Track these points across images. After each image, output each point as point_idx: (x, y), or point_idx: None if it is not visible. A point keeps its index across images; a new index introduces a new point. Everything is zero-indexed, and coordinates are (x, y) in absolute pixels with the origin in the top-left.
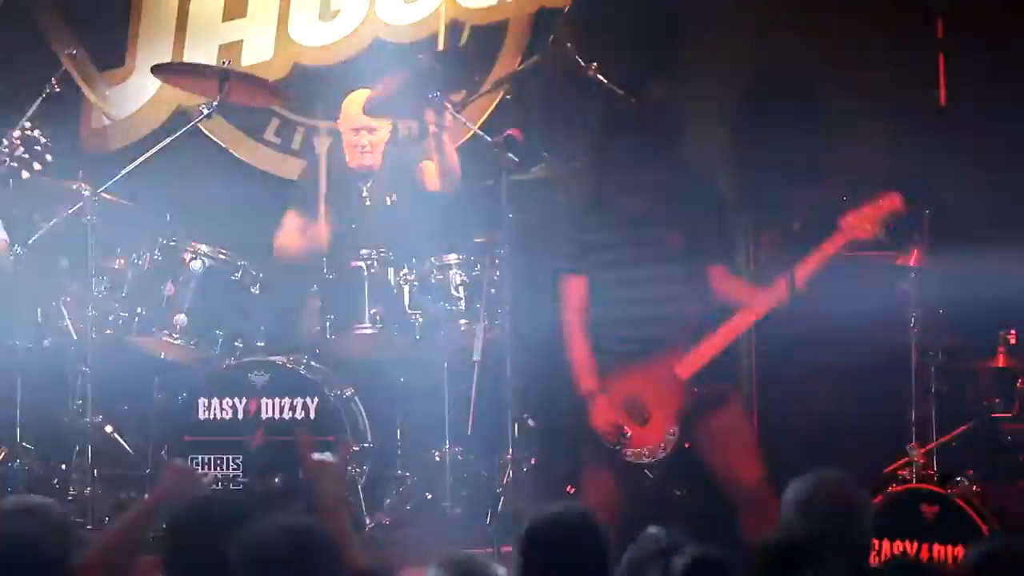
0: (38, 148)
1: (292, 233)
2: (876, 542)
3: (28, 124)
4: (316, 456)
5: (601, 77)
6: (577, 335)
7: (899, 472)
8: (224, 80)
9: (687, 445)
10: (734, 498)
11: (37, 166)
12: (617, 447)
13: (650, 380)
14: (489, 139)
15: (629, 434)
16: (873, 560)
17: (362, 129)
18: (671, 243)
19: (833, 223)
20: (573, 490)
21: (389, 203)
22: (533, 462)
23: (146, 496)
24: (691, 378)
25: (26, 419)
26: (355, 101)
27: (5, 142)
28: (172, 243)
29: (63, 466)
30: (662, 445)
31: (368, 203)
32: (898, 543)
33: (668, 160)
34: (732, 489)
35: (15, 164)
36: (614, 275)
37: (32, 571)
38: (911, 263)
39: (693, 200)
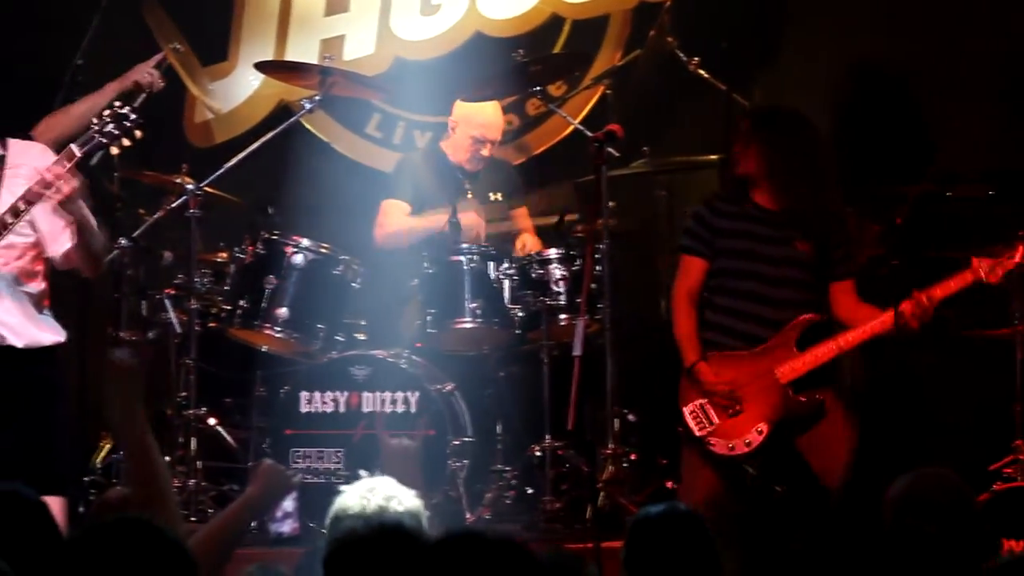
0: (127, 124)
1: (398, 217)
2: None
3: (118, 103)
4: (394, 440)
5: (702, 71)
6: (683, 312)
7: (1005, 470)
8: (326, 75)
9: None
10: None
11: (126, 141)
12: (700, 433)
13: (749, 375)
14: (590, 134)
15: (716, 421)
16: None
17: (489, 141)
18: (801, 247)
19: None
20: (674, 485)
21: (492, 199)
22: (633, 457)
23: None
24: (790, 384)
25: None
26: (488, 110)
27: (95, 119)
28: (274, 237)
29: (167, 458)
30: (747, 441)
31: (470, 198)
32: (1004, 542)
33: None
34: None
35: (104, 139)
36: (743, 266)
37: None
38: (1017, 259)
39: (822, 210)
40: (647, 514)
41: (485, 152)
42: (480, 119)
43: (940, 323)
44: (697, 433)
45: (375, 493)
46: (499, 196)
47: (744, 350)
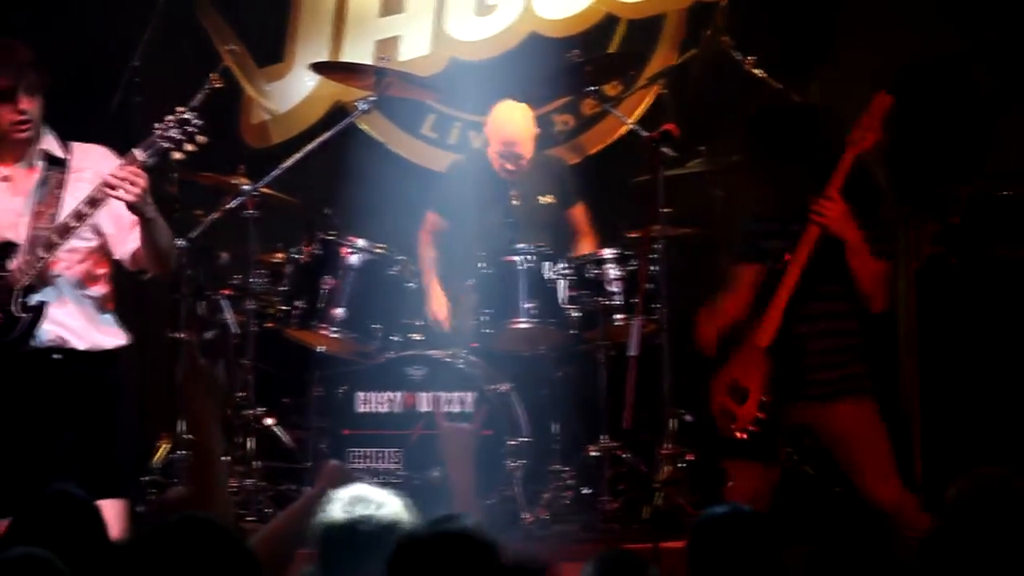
0: (190, 129)
1: (427, 248)
2: None
3: (180, 108)
4: (450, 424)
5: (757, 71)
6: (716, 320)
7: None
8: (381, 75)
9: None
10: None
11: (189, 147)
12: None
13: (742, 359)
14: (645, 134)
15: (737, 417)
16: None
17: (517, 155)
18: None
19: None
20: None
21: (543, 202)
22: (690, 457)
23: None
24: (771, 344)
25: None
26: (506, 114)
27: (158, 124)
28: (331, 237)
29: (225, 458)
30: (759, 413)
31: (516, 203)
32: None
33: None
34: (870, 502)
35: (167, 144)
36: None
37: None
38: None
39: (853, 195)
40: (711, 514)
41: (513, 165)
42: (505, 134)
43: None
44: (725, 433)
45: (358, 503)
46: (550, 199)
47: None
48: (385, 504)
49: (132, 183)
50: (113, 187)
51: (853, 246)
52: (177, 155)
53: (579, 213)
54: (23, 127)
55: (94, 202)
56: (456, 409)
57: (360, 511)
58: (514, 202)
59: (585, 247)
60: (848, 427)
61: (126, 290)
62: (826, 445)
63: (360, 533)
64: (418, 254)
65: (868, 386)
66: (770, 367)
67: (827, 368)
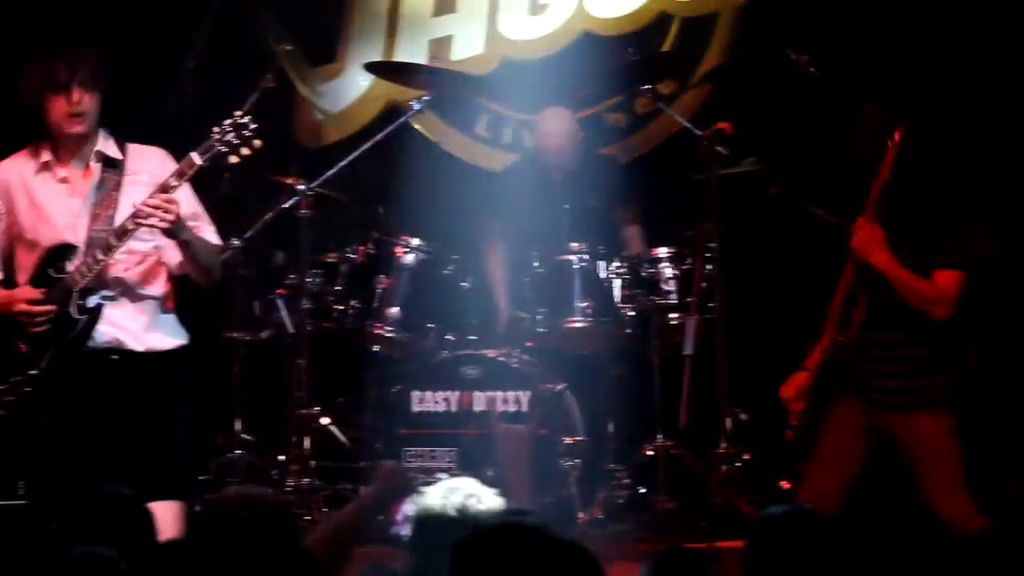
0: (247, 133)
1: (492, 248)
2: None
3: (238, 112)
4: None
5: (812, 69)
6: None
7: None
8: (435, 75)
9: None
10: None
11: (246, 151)
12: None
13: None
14: (699, 132)
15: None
16: None
17: (552, 156)
18: None
19: None
20: (788, 485)
21: (592, 204)
22: (746, 457)
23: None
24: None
25: (245, 411)
26: (547, 121)
27: (215, 128)
28: (385, 237)
29: (281, 457)
30: (795, 421)
31: (566, 206)
32: None
33: None
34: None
35: (224, 148)
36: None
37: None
38: None
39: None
40: (770, 514)
41: (558, 170)
42: (546, 142)
43: None
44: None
45: (456, 493)
46: (599, 202)
47: None
48: (483, 496)
49: (165, 211)
50: (145, 216)
51: (882, 270)
52: (233, 159)
53: (628, 215)
54: (76, 121)
55: (135, 222)
56: (512, 409)
57: (460, 502)
58: (564, 205)
59: (633, 249)
60: (918, 438)
61: (180, 289)
62: (899, 452)
63: (459, 523)
64: (485, 267)
65: (942, 398)
66: (811, 380)
67: (900, 377)
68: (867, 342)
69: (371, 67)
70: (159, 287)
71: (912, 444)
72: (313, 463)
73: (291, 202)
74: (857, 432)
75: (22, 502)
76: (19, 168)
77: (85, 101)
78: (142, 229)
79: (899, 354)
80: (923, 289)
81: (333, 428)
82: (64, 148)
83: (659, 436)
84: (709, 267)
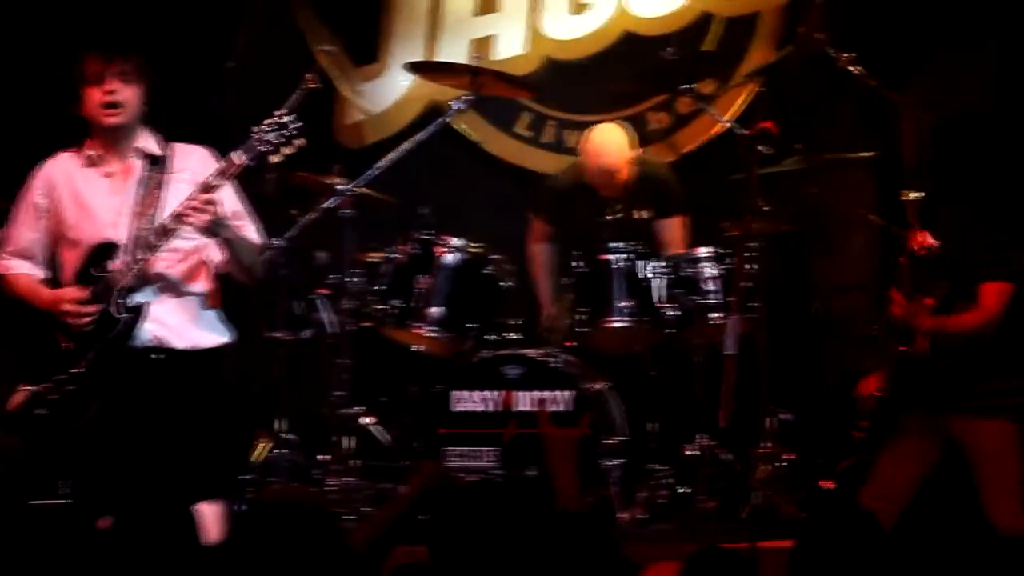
0: (288, 133)
1: (538, 250)
2: None
3: (279, 111)
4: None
5: (855, 68)
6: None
7: None
8: (476, 75)
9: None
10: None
11: (287, 150)
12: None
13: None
14: (743, 131)
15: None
16: None
17: (605, 175)
18: None
19: None
20: (832, 486)
21: (637, 217)
22: (788, 457)
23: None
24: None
25: (287, 410)
26: (602, 139)
27: (256, 127)
28: (426, 236)
29: (322, 457)
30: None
31: (609, 218)
32: None
33: None
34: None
35: (266, 148)
36: None
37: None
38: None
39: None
40: (816, 514)
41: (609, 188)
42: (600, 161)
43: None
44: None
45: None
46: (644, 214)
47: None
48: None
49: (202, 211)
50: (184, 215)
51: (927, 332)
52: (275, 158)
53: (676, 225)
54: (111, 111)
55: (176, 222)
56: (555, 409)
57: None
58: (608, 217)
59: (675, 249)
60: (978, 442)
61: (226, 287)
62: (965, 457)
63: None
64: (530, 266)
65: (1010, 404)
66: (884, 383)
67: (964, 383)
68: (937, 348)
69: (412, 67)
70: (202, 284)
71: (976, 449)
72: (354, 462)
73: (333, 202)
74: (928, 436)
75: (64, 501)
76: (65, 166)
77: (121, 92)
78: (186, 227)
79: (967, 360)
80: (967, 323)
81: (374, 427)
82: (106, 144)
83: (700, 436)
84: (751, 266)
